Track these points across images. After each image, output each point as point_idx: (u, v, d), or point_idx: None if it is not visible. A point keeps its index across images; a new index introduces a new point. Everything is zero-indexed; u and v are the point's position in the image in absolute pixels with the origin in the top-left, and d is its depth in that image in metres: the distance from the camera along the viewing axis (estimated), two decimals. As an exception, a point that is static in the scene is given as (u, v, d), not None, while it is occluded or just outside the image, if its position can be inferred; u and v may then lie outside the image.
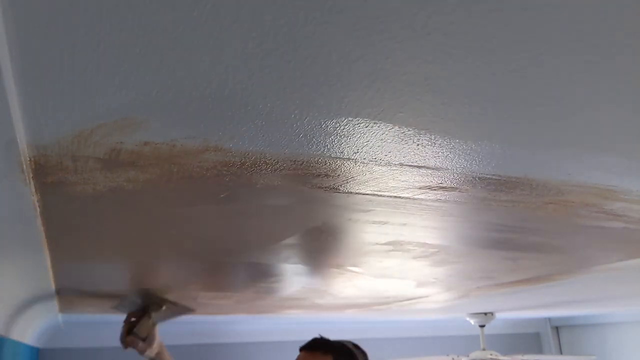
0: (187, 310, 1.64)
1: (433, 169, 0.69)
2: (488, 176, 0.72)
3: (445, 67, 0.45)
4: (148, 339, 1.53)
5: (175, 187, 0.72)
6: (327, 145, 0.61)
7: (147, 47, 0.41)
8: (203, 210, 0.85)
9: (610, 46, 0.43)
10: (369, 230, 1.02)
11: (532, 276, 1.65)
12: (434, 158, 0.65)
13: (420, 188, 0.76)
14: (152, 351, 1.54)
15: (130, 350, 1.57)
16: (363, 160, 0.65)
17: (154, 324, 1.55)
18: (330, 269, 1.48)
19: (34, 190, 0.71)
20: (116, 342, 1.80)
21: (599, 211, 0.90)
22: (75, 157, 0.61)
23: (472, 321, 3.25)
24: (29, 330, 2.24)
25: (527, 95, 0.51)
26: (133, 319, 1.55)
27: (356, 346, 1.52)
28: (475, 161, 0.67)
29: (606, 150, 0.65)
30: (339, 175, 0.70)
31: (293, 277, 1.60)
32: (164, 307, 1.59)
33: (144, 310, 1.57)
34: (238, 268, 1.44)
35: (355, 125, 0.56)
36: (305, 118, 0.54)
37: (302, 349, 1.50)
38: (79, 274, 1.44)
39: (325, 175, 0.70)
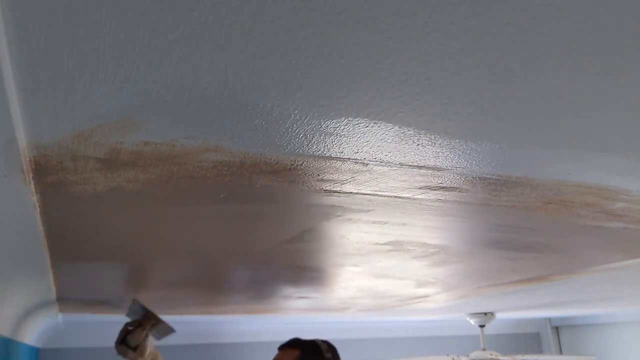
0: (170, 330, 1.74)
1: (433, 169, 0.69)
2: (488, 176, 0.72)
3: (445, 67, 0.45)
4: (139, 349, 1.62)
5: (175, 187, 0.72)
6: (327, 145, 0.61)
7: (147, 47, 0.41)
8: (203, 210, 0.85)
9: (610, 47, 0.43)
10: (369, 230, 1.02)
11: (532, 276, 1.65)
12: (434, 158, 0.65)
13: (420, 188, 0.76)
14: None
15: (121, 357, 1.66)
16: (363, 160, 0.65)
17: (146, 336, 1.63)
18: (330, 269, 1.48)
19: (34, 190, 0.71)
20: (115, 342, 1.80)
21: (599, 211, 0.90)
22: (75, 157, 0.61)
23: (472, 321, 3.25)
24: (28, 330, 2.24)
25: (527, 95, 0.51)
26: (130, 328, 1.63)
27: (326, 342, 1.60)
28: (475, 161, 0.67)
29: (606, 150, 0.65)
30: (339, 175, 0.70)
31: (292, 277, 1.60)
32: (155, 322, 1.68)
33: (139, 323, 1.65)
34: (237, 268, 1.44)
35: (355, 125, 0.56)
36: (305, 118, 0.54)
37: (278, 348, 1.61)
38: (79, 274, 1.44)
39: (325, 175, 0.70)
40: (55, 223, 0.89)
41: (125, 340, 1.61)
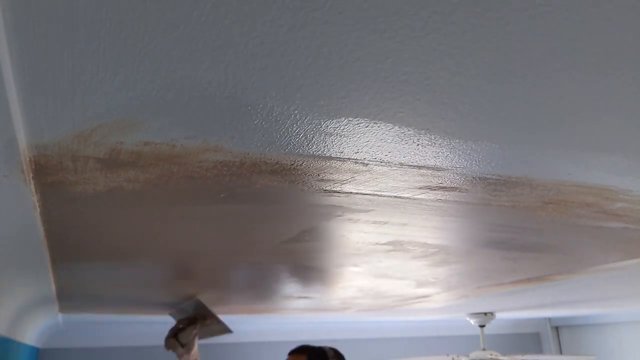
0: (226, 330, 1.75)
1: (433, 169, 0.69)
2: (488, 176, 0.72)
3: (445, 67, 0.45)
4: (187, 346, 1.65)
5: (175, 187, 0.72)
6: (327, 145, 0.61)
7: (147, 47, 0.41)
8: (203, 210, 0.85)
9: (610, 47, 0.43)
10: (369, 230, 1.02)
11: (532, 276, 1.65)
12: (434, 158, 0.65)
13: (420, 188, 0.76)
14: (188, 358, 1.67)
15: (170, 351, 1.69)
16: (363, 160, 0.65)
17: (196, 335, 1.66)
18: (330, 269, 1.48)
19: (34, 190, 0.71)
20: (115, 342, 1.80)
21: (599, 211, 0.90)
22: (75, 157, 0.61)
23: (472, 321, 3.25)
24: (28, 330, 2.25)
25: (527, 95, 0.51)
26: (181, 326, 1.67)
27: (333, 349, 1.65)
28: (475, 161, 0.67)
29: (606, 150, 0.65)
30: (339, 175, 0.70)
31: (292, 277, 1.60)
32: (208, 322, 1.70)
33: (191, 321, 1.68)
34: (237, 268, 1.44)
35: (355, 125, 0.56)
36: (305, 118, 0.54)
37: (288, 353, 1.66)
38: (79, 274, 1.44)
39: (325, 175, 0.70)
40: (55, 223, 0.89)
41: (177, 337, 1.64)
